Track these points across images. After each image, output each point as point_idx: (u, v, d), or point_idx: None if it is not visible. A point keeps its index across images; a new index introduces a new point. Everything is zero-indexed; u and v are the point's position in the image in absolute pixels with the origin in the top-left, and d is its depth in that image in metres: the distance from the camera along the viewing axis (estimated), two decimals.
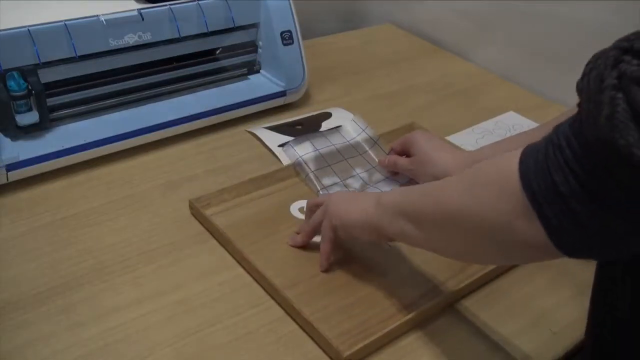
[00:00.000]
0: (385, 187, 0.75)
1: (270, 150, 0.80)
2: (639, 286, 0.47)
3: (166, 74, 0.82)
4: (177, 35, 0.79)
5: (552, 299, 0.62)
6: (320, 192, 0.72)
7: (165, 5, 0.77)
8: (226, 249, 0.64)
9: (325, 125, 0.85)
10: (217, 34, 0.84)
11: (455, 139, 0.86)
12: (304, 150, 0.78)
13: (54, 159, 0.70)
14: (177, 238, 0.65)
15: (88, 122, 0.76)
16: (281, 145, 0.80)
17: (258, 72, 0.91)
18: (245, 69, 0.90)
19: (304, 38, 0.88)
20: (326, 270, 0.61)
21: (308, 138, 0.80)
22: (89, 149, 0.72)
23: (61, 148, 0.71)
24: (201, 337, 0.54)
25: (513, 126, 0.92)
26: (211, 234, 0.65)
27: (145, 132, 0.76)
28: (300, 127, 0.85)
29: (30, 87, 0.68)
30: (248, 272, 0.61)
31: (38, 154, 0.69)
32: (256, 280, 0.60)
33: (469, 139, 0.86)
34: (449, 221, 0.47)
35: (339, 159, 0.78)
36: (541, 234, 0.38)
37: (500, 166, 0.42)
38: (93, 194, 0.70)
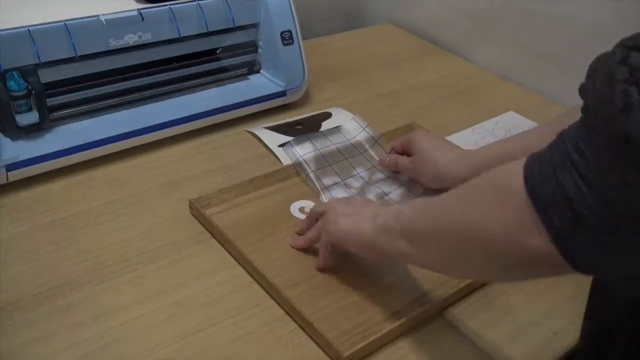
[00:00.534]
0: (386, 187, 0.75)
1: (270, 150, 0.80)
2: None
3: (166, 74, 0.82)
4: (177, 35, 0.79)
5: (552, 299, 0.62)
6: (321, 192, 0.72)
7: (165, 5, 0.77)
8: (226, 249, 0.64)
9: (325, 125, 0.85)
10: (217, 34, 0.83)
11: (455, 139, 0.86)
12: (304, 150, 0.78)
13: (54, 159, 0.70)
14: (177, 238, 0.65)
15: (88, 122, 0.76)
16: (281, 145, 0.80)
17: (258, 72, 0.91)
18: (245, 69, 0.90)
19: (304, 38, 0.88)
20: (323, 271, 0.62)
21: (308, 138, 0.80)
22: (89, 149, 0.72)
23: (61, 148, 0.71)
24: (201, 337, 0.54)
25: (513, 126, 0.92)
26: (211, 234, 0.65)
27: (145, 132, 0.76)
28: (300, 127, 0.85)
29: (30, 87, 0.68)
30: (248, 272, 0.61)
31: (38, 154, 0.69)
32: (256, 281, 0.60)
33: (469, 139, 0.86)
34: (448, 238, 0.46)
35: (339, 159, 0.78)
36: (547, 242, 0.37)
37: (503, 175, 0.41)
38: (93, 194, 0.70)
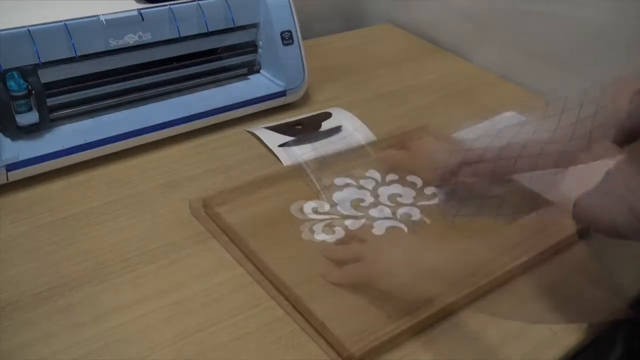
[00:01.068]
0: (399, 189, 0.74)
1: (270, 150, 0.80)
2: None
3: (166, 74, 0.82)
4: (177, 35, 0.79)
5: (552, 299, 0.62)
6: (321, 192, 0.72)
7: (165, 5, 0.77)
8: (238, 247, 0.63)
9: (325, 125, 0.85)
10: (217, 34, 0.83)
11: (456, 138, 0.86)
12: (304, 150, 0.78)
13: (54, 159, 0.70)
14: (177, 238, 0.65)
15: (88, 122, 0.76)
16: (281, 145, 0.80)
17: (258, 72, 0.91)
18: (245, 69, 0.90)
19: (304, 38, 0.88)
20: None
21: (308, 138, 0.80)
22: (89, 149, 0.72)
23: (61, 148, 0.71)
24: (201, 337, 0.54)
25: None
26: (223, 231, 0.65)
27: (145, 132, 0.76)
28: (300, 127, 0.85)
29: (30, 87, 0.68)
30: (258, 269, 0.61)
31: (38, 154, 0.69)
32: (266, 277, 0.60)
33: (469, 139, 0.86)
34: None
35: (340, 159, 0.78)
36: None
37: None
38: (93, 194, 0.70)
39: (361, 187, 0.74)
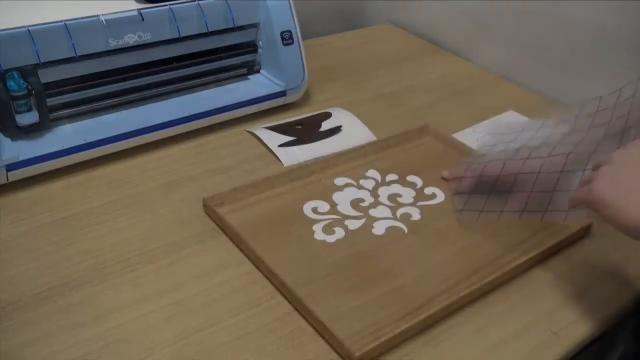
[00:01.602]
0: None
1: (270, 150, 0.80)
2: None
3: (166, 74, 0.82)
4: (177, 35, 0.79)
5: (552, 299, 0.62)
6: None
7: (165, 5, 0.77)
8: (238, 247, 0.64)
9: (325, 125, 0.85)
10: (217, 34, 0.83)
11: (456, 137, 0.86)
12: (304, 150, 0.78)
13: (54, 159, 0.70)
14: (177, 238, 0.65)
15: (88, 122, 0.76)
16: (281, 145, 0.80)
17: (258, 72, 0.91)
18: (245, 69, 0.90)
19: (304, 38, 0.88)
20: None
21: (308, 138, 0.80)
22: (89, 149, 0.72)
23: (61, 148, 0.71)
24: (201, 337, 0.54)
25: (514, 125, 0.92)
26: (224, 232, 0.65)
27: (145, 132, 0.76)
28: (300, 127, 0.85)
29: (30, 87, 0.68)
30: (258, 269, 0.61)
31: (38, 154, 0.69)
32: (266, 277, 0.60)
33: (469, 139, 0.86)
34: None
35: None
36: None
37: None
38: (93, 194, 0.70)
39: (361, 187, 0.74)
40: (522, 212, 0.67)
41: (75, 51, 0.72)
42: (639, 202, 0.49)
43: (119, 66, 0.77)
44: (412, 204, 0.72)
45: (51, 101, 0.72)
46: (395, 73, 1.05)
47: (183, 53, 0.82)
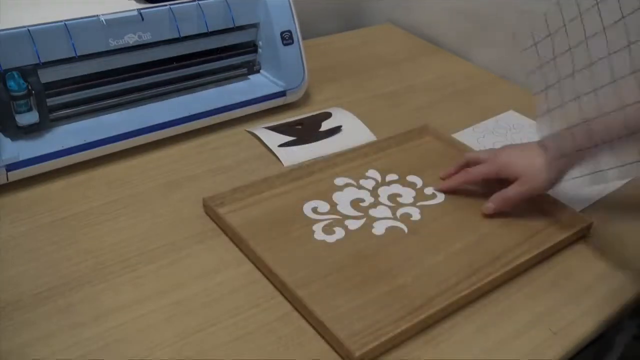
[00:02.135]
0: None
1: (270, 150, 0.80)
2: None
3: (166, 74, 0.82)
4: (177, 35, 0.79)
5: (552, 299, 0.62)
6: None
7: (165, 5, 0.77)
8: (238, 247, 0.64)
9: (325, 125, 0.85)
10: (217, 34, 0.83)
11: (456, 137, 0.86)
12: (304, 150, 0.78)
13: (54, 159, 0.70)
14: (177, 238, 0.65)
15: (88, 122, 0.76)
16: (281, 145, 0.80)
17: (258, 72, 0.91)
18: (245, 69, 0.90)
19: (304, 38, 0.88)
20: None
21: (308, 138, 0.80)
22: (89, 149, 0.72)
23: (61, 148, 0.71)
24: (201, 337, 0.54)
25: (513, 125, 0.92)
26: (224, 232, 0.65)
27: (145, 132, 0.76)
28: (300, 127, 0.85)
29: (30, 87, 0.68)
30: (258, 270, 0.61)
31: (38, 154, 0.69)
32: (266, 277, 0.60)
33: (469, 138, 0.87)
34: None
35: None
36: None
37: None
38: (93, 194, 0.70)
39: (361, 187, 0.74)
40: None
41: (75, 51, 0.72)
42: None
43: (119, 66, 0.77)
44: (412, 204, 0.72)
45: (51, 101, 0.72)
46: (395, 73, 1.05)
47: (183, 53, 0.82)
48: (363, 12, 1.32)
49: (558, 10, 0.68)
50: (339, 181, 0.75)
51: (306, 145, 0.80)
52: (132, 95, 0.80)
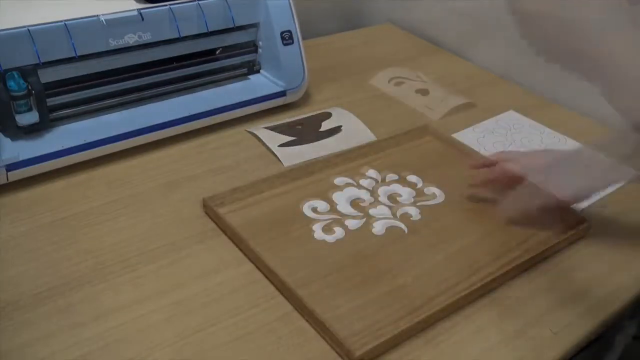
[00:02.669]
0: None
1: (270, 150, 0.80)
2: None
3: (166, 74, 0.82)
4: (177, 35, 0.79)
5: (552, 299, 0.62)
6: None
7: (165, 5, 0.77)
8: (238, 247, 0.64)
9: (325, 125, 0.85)
10: (217, 34, 0.83)
11: (456, 137, 0.86)
12: (304, 151, 0.78)
13: (54, 159, 0.70)
14: (177, 238, 0.65)
15: (88, 122, 0.76)
16: (281, 145, 0.80)
17: (258, 72, 0.91)
18: (245, 69, 0.90)
19: (304, 38, 0.88)
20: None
21: (309, 138, 0.80)
22: (89, 149, 0.72)
23: (61, 148, 0.71)
24: (201, 337, 0.54)
25: (513, 125, 0.92)
26: (224, 232, 0.65)
27: (145, 132, 0.76)
28: (300, 127, 0.85)
29: (30, 87, 0.68)
30: (258, 269, 0.61)
31: (38, 154, 0.69)
32: (267, 277, 0.60)
33: (470, 138, 0.87)
34: None
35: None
36: None
37: None
38: (93, 194, 0.70)
39: (360, 187, 0.74)
40: None
41: (75, 51, 0.72)
42: None
43: (119, 66, 0.77)
44: (412, 204, 0.72)
45: (51, 101, 0.72)
46: None
47: (183, 53, 0.82)
48: (363, 12, 1.32)
49: None
50: (339, 181, 0.75)
51: (306, 145, 0.80)
52: (132, 95, 0.80)
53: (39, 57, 0.69)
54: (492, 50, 1.09)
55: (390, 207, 0.71)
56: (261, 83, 0.89)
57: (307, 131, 0.83)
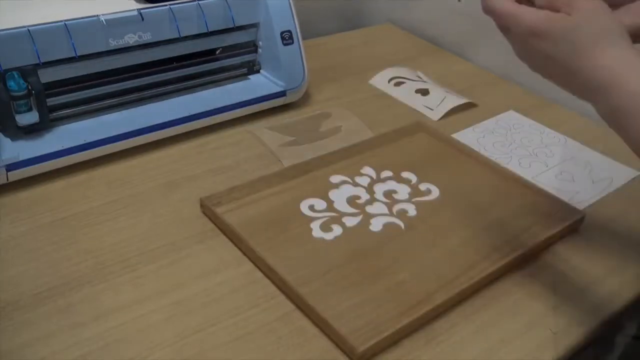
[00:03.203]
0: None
1: (270, 150, 0.80)
2: None
3: (166, 74, 0.82)
4: (177, 35, 0.79)
5: (552, 299, 0.62)
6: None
7: (165, 5, 0.77)
8: (238, 247, 0.64)
9: (325, 125, 0.85)
10: (217, 34, 0.83)
11: (456, 137, 0.86)
12: (304, 150, 0.78)
13: (54, 159, 0.70)
14: (177, 238, 0.65)
15: (88, 122, 0.76)
16: (282, 145, 0.80)
17: (258, 72, 0.91)
18: (245, 69, 0.90)
19: (304, 38, 0.88)
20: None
21: (309, 138, 0.80)
22: (89, 149, 0.72)
23: (61, 148, 0.71)
24: (201, 337, 0.54)
25: (513, 125, 0.92)
26: (222, 232, 0.66)
27: (145, 132, 0.76)
28: (300, 127, 0.85)
29: (30, 87, 0.68)
30: (258, 269, 0.61)
31: (38, 154, 0.69)
32: (267, 277, 0.60)
33: (470, 138, 0.87)
34: None
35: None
36: None
37: None
38: (93, 194, 0.70)
39: (357, 185, 0.74)
40: None
41: (75, 51, 0.72)
42: None
43: (119, 66, 0.77)
44: (408, 200, 0.72)
45: (51, 101, 0.72)
46: None
47: (183, 53, 0.82)
48: (363, 12, 1.32)
49: None
50: (335, 179, 0.75)
51: (306, 145, 0.81)
52: (132, 95, 0.80)
53: (39, 57, 0.69)
54: (492, 50, 1.09)
55: (386, 204, 0.71)
56: (261, 83, 0.89)
57: (307, 131, 0.83)
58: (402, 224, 0.69)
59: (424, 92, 0.96)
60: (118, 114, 0.78)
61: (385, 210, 0.71)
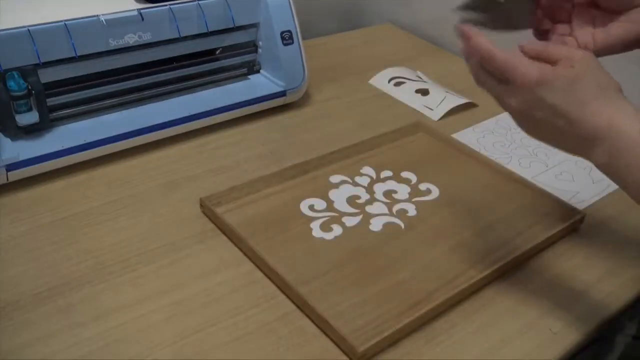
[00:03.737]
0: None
1: (270, 149, 0.80)
2: None
3: (166, 74, 0.82)
4: (177, 35, 0.79)
5: (553, 299, 0.62)
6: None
7: (165, 5, 0.77)
8: (237, 246, 0.64)
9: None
10: (217, 34, 0.84)
11: (456, 137, 0.86)
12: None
13: (54, 159, 0.70)
14: (177, 238, 0.65)
15: (88, 122, 0.76)
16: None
17: (258, 72, 0.91)
18: (245, 69, 0.90)
19: (304, 38, 0.88)
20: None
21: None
22: (89, 149, 0.72)
23: (61, 148, 0.71)
24: (201, 337, 0.54)
25: (514, 125, 0.91)
26: (222, 232, 0.66)
27: (145, 132, 0.76)
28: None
29: (30, 87, 0.68)
30: (258, 269, 0.61)
31: (38, 154, 0.69)
32: (267, 277, 0.60)
33: (470, 138, 0.87)
34: None
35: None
36: None
37: None
38: (93, 194, 0.70)
39: (356, 184, 0.74)
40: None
41: (75, 51, 0.72)
42: None
43: (119, 66, 0.77)
44: (408, 200, 0.73)
45: (51, 101, 0.72)
46: None
47: (183, 53, 0.82)
48: (363, 12, 1.32)
49: None
50: (335, 179, 0.75)
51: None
52: (132, 95, 0.80)
53: (39, 57, 0.69)
54: None
55: (386, 204, 0.71)
56: (261, 83, 0.89)
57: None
58: (402, 224, 0.69)
59: (424, 92, 0.96)
60: (118, 114, 0.78)
61: (385, 210, 0.71)
